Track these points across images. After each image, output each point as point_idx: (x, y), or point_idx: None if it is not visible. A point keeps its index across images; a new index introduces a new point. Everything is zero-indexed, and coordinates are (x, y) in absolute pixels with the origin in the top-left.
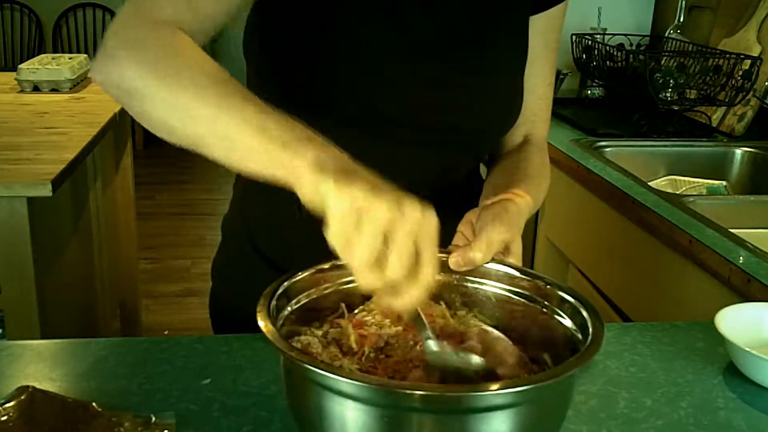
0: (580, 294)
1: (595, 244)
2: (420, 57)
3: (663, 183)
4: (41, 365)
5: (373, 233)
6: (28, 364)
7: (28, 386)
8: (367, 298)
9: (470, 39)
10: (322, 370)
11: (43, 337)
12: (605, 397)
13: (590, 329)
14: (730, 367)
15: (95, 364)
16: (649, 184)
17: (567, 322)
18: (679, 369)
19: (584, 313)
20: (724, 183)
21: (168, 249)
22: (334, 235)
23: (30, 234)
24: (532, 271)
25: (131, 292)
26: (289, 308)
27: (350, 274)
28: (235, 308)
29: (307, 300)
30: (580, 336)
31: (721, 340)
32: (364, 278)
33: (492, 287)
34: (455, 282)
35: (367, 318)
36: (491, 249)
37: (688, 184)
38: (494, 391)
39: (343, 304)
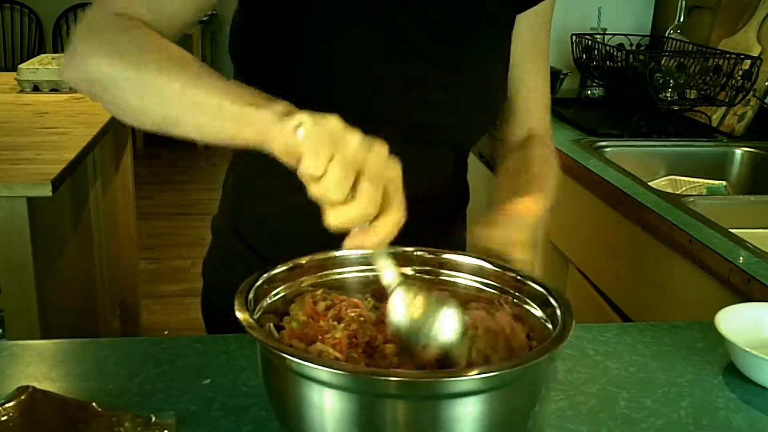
0: (550, 285)
1: (595, 244)
2: (403, 57)
3: (663, 183)
4: (41, 365)
5: (347, 167)
6: (28, 364)
7: (28, 386)
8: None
9: (452, 38)
10: (298, 358)
11: (43, 337)
12: (605, 397)
13: (559, 319)
14: (730, 367)
15: (95, 364)
16: (649, 184)
17: (537, 312)
18: (679, 369)
19: (554, 304)
20: (724, 183)
21: (168, 249)
22: (307, 169)
23: (30, 234)
24: (502, 263)
25: (131, 292)
26: (267, 300)
27: (327, 268)
28: (227, 307)
29: (285, 293)
30: (550, 326)
31: (721, 340)
32: (335, 213)
33: (464, 280)
34: (426, 276)
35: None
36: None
37: (688, 184)
38: (465, 377)
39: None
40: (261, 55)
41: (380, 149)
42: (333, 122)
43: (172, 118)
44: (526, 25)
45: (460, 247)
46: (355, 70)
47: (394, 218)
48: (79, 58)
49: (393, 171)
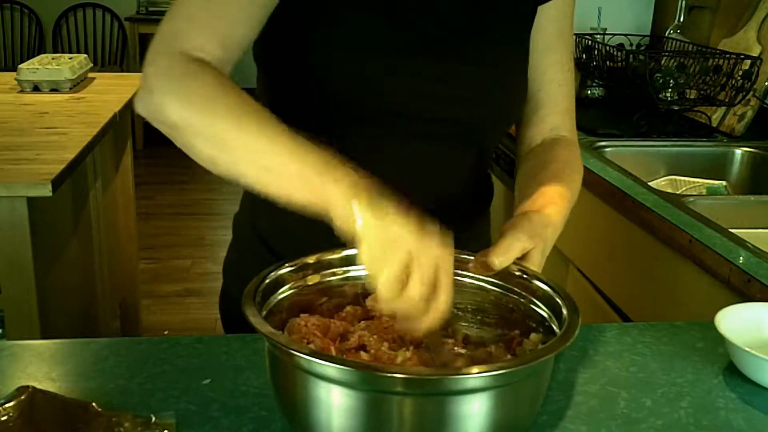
0: (555, 283)
1: (595, 244)
2: (418, 51)
3: (663, 183)
4: (41, 365)
5: (400, 259)
6: (28, 364)
7: (28, 386)
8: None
9: (470, 33)
10: (308, 355)
11: (43, 337)
12: (605, 397)
13: (565, 317)
14: (730, 367)
15: (95, 364)
16: (649, 184)
17: (542, 310)
18: (679, 369)
19: (559, 302)
20: (724, 183)
21: (168, 249)
22: (365, 259)
23: (30, 234)
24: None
25: (131, 292)
26: (275, 298)
27: (334, 267)
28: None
29: (291, 291)
30: (556, 324)
31: (721, 340)
32: (386, 299)
33: (469, 278)
34: None
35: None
36: (509, 255)
37: (688, 184)
38: (470, 375)
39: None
40: (281, 53)
41: (434, 242)
42: (390, 219)
43: (240, 174)
44: (548, 17)
45: (485, 244)
46: (370, 65)
47: (442, 305)
48: (154, 100)
49: (444, 259)
